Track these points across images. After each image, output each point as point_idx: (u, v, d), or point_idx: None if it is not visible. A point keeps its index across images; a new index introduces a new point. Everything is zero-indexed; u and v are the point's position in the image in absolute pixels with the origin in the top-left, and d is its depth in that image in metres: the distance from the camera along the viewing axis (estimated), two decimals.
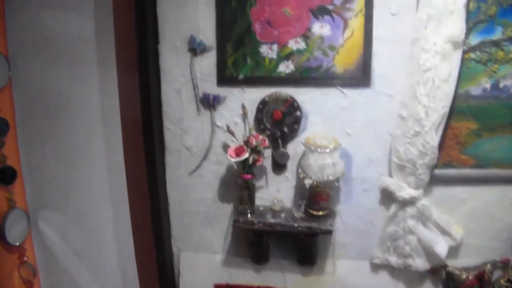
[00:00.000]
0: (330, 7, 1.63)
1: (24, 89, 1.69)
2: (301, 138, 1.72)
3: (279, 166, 1.76)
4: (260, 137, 1.66)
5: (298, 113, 1.68)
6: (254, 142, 1.65)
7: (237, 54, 1.69)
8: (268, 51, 1.68)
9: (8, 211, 1.55)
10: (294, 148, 1.74)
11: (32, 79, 1.68)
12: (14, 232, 1.56)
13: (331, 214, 1.74)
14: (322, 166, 1.62)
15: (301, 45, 1.67)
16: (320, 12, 1.64)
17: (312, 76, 1.68)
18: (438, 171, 1.74)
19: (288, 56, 1.68)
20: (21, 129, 1.67)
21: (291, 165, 1.75)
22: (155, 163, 1.76)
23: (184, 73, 1.73)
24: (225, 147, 1.72)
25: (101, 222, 1.79)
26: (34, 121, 1.71)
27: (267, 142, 1.67)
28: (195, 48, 1.69)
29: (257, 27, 1.67)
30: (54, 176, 1.74)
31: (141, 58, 1.69)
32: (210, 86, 1.72)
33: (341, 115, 1.70)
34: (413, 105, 1.65)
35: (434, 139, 1.66)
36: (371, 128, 1.70)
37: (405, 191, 1.72)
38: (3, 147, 1.56)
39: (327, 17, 1.64)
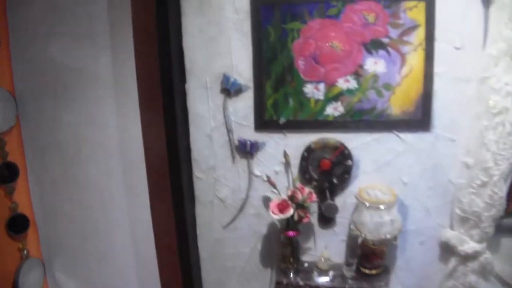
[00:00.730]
0: (386, 40, 1.40)
1: (34, 130, 1.55)
2: (351, 188, 1.52)
3: (326, 219, 1.55)
4: (306, 190, 1.45)
5: (349, 161, 1.47)
6: (300, 197, 1.43)
7: (277, 95, 1.47)
8: (314, 91, 1.46)
9: (21, 262, 1.40)
10: (343, 200, 1.53)
11: (42, 118, 1.52)
12: (29, 283, 1.45)
13: (385, 271, 1.54)
14: (379, 224, 1.42)
15: (352, 84, 1.44)
16: (374, 46, 1.41)
17: (364, 119, 1.46)
18: (504, 221, 1.53)
19: (337, 96, 1.46)
20: (33, 173, 1.51)
21: (340, 218, 1.54)
22: (184, 214, 1.55)
23: (216, 116, 1.50)
24: (265, 200, 1.52)
25: (123, 273, 1.60)
26: (46, 164, 1.57)
27: (314, 196, 1.46)
28: (229, 89, 1.46)
29: (300, 63, 1.44)
30: (69, 221, 1.61)
31: (166, 98, 1.47)
32: (246, 131, 1.50)
33: (397, 162, 1.49)
34: (480, 152, 1.44)
35: (503, 190, 1.46)
36: (430, 176, 1.49)
37: (468, 245, 1.52)
38: (13, 193, 1.41)
39: (382, 52, 1.41)
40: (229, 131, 1.50)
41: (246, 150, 1.50)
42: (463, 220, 1.52)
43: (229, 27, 1.45)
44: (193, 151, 1.54)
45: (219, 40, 1.46)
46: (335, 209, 1.51)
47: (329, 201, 1.50)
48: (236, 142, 1.51)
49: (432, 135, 1.46)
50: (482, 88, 1.42)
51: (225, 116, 1.49)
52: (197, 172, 1.56)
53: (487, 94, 1.41)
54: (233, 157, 1.52)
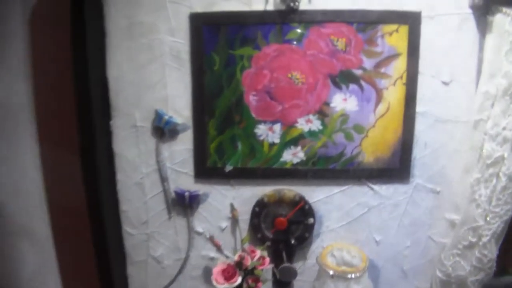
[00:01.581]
0: (358, 72, 1.12)
1: None
2: (314, 247, 1.25)
3: (282, 285, 1.28)
4: (258, 253, 1.18)
5: (310, 220, 1.20)
6: (249, 262, 1.16)
7: (222, 137, 1.17)
8: (268, 133, 1.17)
9: None
10: (303, 261, 1.27)
11: None
12: None
13: None
14: None
15: (316, 125, 1.16)
16: (343, 79, 1.12)
17: (330, 168, 1.18)
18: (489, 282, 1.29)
19: (297, 140, 1.17)
20: None
21: (299, 281, 1.28)
22: (111, 276, 1.27)
23: (148, 161, 1.21)
24: (209, 261, 1.23)
25: None
26: None
27: (267, 261, 1.18)
28: (163, 128, 1.16)
29: (252, 99, 1.15)
30: None
31: (85, 137, 1.16)
32: (185, 180, 1.22)
33: (369, 217, 1.24)
34: (469, 208, 1.20)
35: (493, 252, 1.22)
36: (408, 233, 1.27)
37: None
38: None
39: (353, 87, 1.13)
40: (163, 179, 1.20)
41: (185, 202, 1.21)
42: (445, 285, 1.28)
43: (163, 52, 1.14)
44: (121, 202, 1.24)
45: (151, 68, 1.16)
46: (293, 273, 1.24)
47: (286, 264, 1.23)
48: (173, 193, 1.21)
49: (411, 186, 1.20)
50: (475, 134, 1.15)
51: (159, 161, 1.20)
52: (127, 227, 1.26)
53: (480, 140, 1.14)
54: (169, 211, 1.23)
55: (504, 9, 1.08)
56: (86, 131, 1.18)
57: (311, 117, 1.16)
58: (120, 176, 1.23)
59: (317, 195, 1.22)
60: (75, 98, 1.15)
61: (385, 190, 1.21)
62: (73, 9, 1.09)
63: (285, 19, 1.12)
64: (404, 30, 1.12)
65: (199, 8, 1.13)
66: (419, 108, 1.16)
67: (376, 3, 1.12)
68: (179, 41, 1.15)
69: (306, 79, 1.14)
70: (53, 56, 1.16)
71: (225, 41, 1.13)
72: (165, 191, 1.23)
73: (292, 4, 1.10)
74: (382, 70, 1.14)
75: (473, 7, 1.13)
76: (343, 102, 1.15)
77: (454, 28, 1.13)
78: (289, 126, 1.17)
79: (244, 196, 1.22)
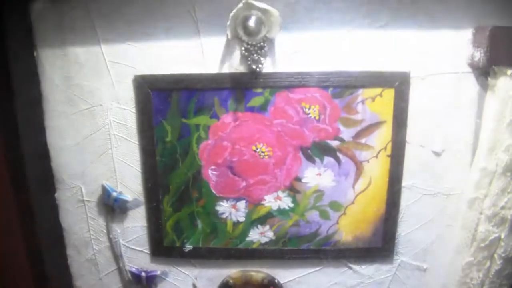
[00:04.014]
0: (335, 143, 0.95)
1: None
2: None
3: None
4: None
5: None
6: None
7: (180, 215, 1.03)
8: (231, 210, 1.01)
9: None
10: None
11: None
12: None
13: None
14: None
15: (286, 202, 1.00)
16: (317, 151, 0.96)
17: (302, 248, 1.03)
18: None
19: (264, 219, 1.02)
20: None
21: None
22: None
23: (99, 238, 1.07)
24: None
25: None
26: None
27: None
28: (112, 205, 1.01)
29: (211, 174, 0.99)
30: None
31: (22, 208, 1.03)
32: (141, 258, 1.08)
33: None
34: None
35: None
36: None
37: None
38: None
39: (329, 160, 0.97)
40: (117, 257, 1.07)
41: (142, 283, 1.08)
42: None
43: (108, 120, 0.97)
44: (74, 278, 1.12)
45: (96, 138, 0.99)
46: None
47: None
48: (129, 272, 1.08)
49: (394, 264, 1.05)
50: (469, 214, 0.99)
51: (111, 238, 1.06)
52: None
53: (475, 221, 0.99)
54: None
55: (509, 71, 0.88)
56: (25, 207, 1.03)
57: (280, 194, 1.00)
58: (70, 252, 1.10)
59: (290, 275, 1.08)
60: (8, 173, 1.00)
61: (365, 269, 1.07)
62: None
63: (247, 83, 0.94)
64: (389, 94, 0.94)
65: (145, 70, 0.95)
66: (406, 181, 1.00)
67: (355, 63, 0.93)
68: (124, 107, 0.98)
69: (273, 152, 0.97)
70: None
71: (177, 108, 0.96)
72: (120, 269, 1.10)
73: (254, 67, 0.92)
74: (363, 140, 0.96)
75: (472, 66, 0.93)
76: (317, 177, 0.99)
77: (449, 90, 0.94)
78: (255, 204, 1.01)
79: (208, 275, 1.09)
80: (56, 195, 1.06)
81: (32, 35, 0.95)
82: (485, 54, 0.88)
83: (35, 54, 0.97)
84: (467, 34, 0.91)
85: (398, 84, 0.93)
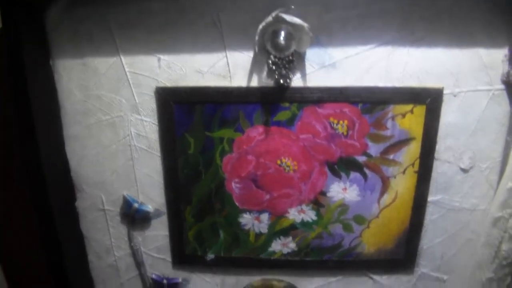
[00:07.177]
0: (362, 159, 0.93)
1: None
2: None
3: None
4: None
5: None
6: None
7: (202, 225, 1.02)
8: (254, 222, 1.01)
9: None
10: None
11: None
12: None
13: None
14: None
15: (309, 215, 1.00)
16: (343, 167, 0.94)
17: (325, 259, 1.04)
18: None
19: (287, 230, 1.02)
20: None
21: None
22: None
23: (121, 246, 1.07)
24: None
25: None
26: None
27: None
28: (133, 216, 1.01)
29: (234, 186, 0.98)
30: None
31: (42, 217, 1.02)
32: (163, 265, 1.09)
33: None
34: None
35: None
36: None
37: None
38: None
39: (355, 175, 0.95)
40: (139, 264, 1.08)
41: None
42: None
43: (128, 131, 0.95)
44: (96, 282, 1.12)
45: (116, 149, 0.97)
46: None
47: None
48: (150, 279, 1.08)
49: (416, 276, 1.06)
50: (492, 231, 0.98)
51: (132, 246, 1.06)
52: None
53: (498, 238, 0.98)
54: None
55: None
56: (45, 213, 1.02)
57: (304, 207, 0.99)
58: (92, 259, 1.11)
59: (311, 284, 1.09)
60: (28, 181, 0.99)
61: (386, 279, 1.08)
62: (15, 83, 0.89)
63: (273, 98, 0.91)
64: (420, 110, 0.91)
65: (168, 82, 0.92)
66: (431, 197, 0.98)
67: (387, 79, 0.89)
68: (145, 119, 0.95)
69: (298, 167, 0.96)
70: None
71: (200, 121, 0.93)
72: (141, 275, 1.10)
73: (282, 81, 0.88)
74: (391, 156, 0.94)
75: (506, 83, 0.90)
76: (342, 191, 0.97)
77: (481, 107, 0.91)
78: (278, 216, 1.00)
79: (229, 283, 1.10)
80: (76, 203, 1.04)
81: (47, 45, 0.90)
82: None
83: (51, 63, 0.92)
84: (503, 51, 0.87)
85: (430, 101, 0.90)
